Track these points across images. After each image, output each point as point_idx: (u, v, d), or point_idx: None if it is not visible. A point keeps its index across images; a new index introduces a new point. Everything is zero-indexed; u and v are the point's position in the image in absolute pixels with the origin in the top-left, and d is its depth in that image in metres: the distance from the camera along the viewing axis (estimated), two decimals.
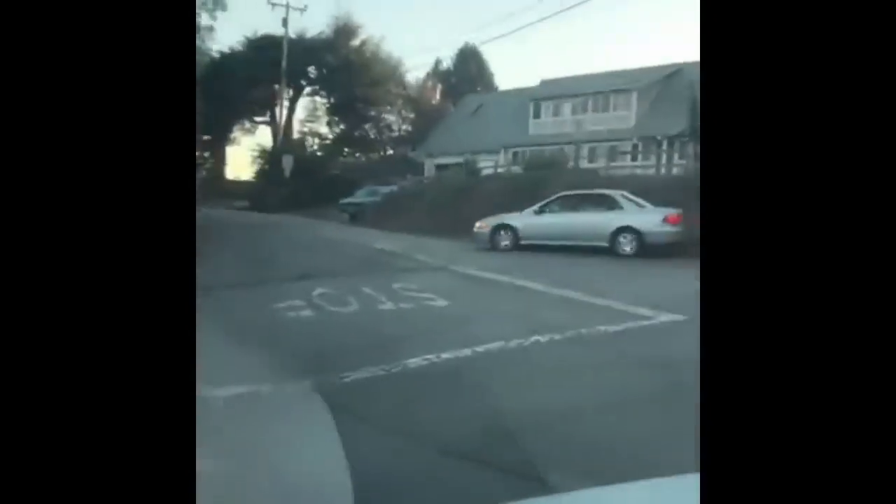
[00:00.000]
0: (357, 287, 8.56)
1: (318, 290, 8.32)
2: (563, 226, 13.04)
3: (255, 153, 38.42)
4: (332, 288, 8.51)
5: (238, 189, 39.33)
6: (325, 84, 38.71)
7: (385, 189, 25.84)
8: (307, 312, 7.09)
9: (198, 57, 17.39)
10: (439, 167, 31.39)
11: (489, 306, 7.86)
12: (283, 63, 33.69)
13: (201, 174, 40.09)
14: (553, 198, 13.76)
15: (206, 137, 35.63)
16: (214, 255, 11.73)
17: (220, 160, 44.71)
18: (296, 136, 40.69)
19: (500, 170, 23.06)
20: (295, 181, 31.82)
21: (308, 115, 42.28)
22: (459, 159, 27.38)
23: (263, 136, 42.39)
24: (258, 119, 40.46)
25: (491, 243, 13.66)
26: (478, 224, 14.20)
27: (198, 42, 16.97)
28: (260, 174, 37.15)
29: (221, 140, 42.37)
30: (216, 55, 36.00)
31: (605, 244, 12.46)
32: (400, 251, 13.08)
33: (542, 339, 5.67)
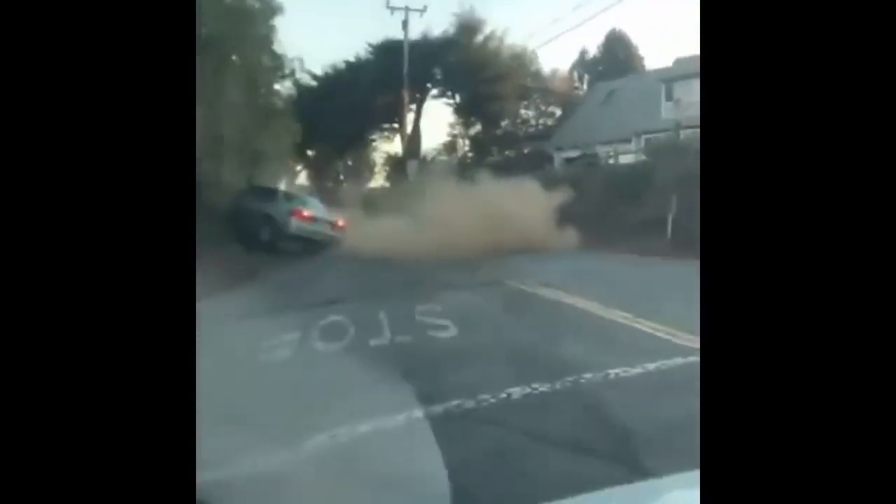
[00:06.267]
0: (373, 314, 7.55)
1: (330, 319, 7.40)
2: None
3: (382, 160, 38.55)
4: (346, 315, 7.55)
5: (375, 196, 39.64)
6: (449, 84, 37.96)
7: None
8: (285, 352, 6.12)
9: (297, 80, 18.27)
10: (568, 160, 29.67)
11: (512, 334, 6.50)
12: (405, 67, 33.31)
13: (341, 185, 41.11)
14: None
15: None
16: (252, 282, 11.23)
17: (361, 169, 45.53)
18: (447, 138, 40.46)
19: (611, 160, 21.10)
20: None
21: (458, 118, 41.64)
22: (589, 151, 25.78)
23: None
24: (386, 125, 40.45)
25: None
26: None
27: (293, 67, 17.51)
28: (389, 180, 37.20)
29: (360, 149, 42.97)
30: (342, 65, 36.52)
31: None
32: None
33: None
